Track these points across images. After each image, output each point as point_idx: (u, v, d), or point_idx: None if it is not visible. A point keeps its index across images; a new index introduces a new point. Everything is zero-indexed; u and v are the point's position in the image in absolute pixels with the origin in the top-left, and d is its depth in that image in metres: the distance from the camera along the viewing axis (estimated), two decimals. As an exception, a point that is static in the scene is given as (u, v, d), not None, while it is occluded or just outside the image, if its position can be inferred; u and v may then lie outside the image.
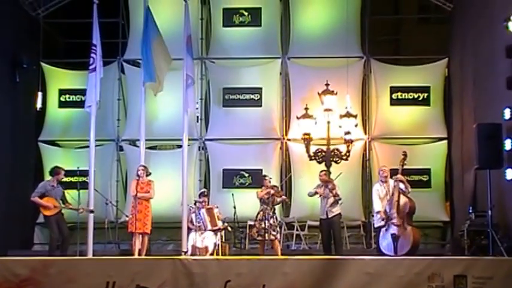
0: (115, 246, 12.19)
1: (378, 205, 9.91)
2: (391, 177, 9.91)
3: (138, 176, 10.44)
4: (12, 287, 8.24)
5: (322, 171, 10.82)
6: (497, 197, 10.05)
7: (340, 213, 10.44)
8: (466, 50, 12.46)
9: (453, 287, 8.08)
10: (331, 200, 10.28)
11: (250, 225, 11.79)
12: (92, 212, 10.75)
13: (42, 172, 13.06)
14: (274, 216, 10.23)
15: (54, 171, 10.49)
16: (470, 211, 10.87)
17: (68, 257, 9.65)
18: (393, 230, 9.60)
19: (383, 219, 9.74)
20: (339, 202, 10.39)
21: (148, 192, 10.35)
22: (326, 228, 10.41)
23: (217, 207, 10.49)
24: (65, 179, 11.68)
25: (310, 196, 10.57)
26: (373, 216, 12.19)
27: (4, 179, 12.23)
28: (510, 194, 9.86)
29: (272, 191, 10.24)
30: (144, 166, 10.64)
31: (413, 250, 9.46)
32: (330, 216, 10.31)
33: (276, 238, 10.15)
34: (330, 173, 11.09)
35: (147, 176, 10.47)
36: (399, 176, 9.76)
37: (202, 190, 11.54)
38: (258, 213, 10.24)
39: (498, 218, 10.00)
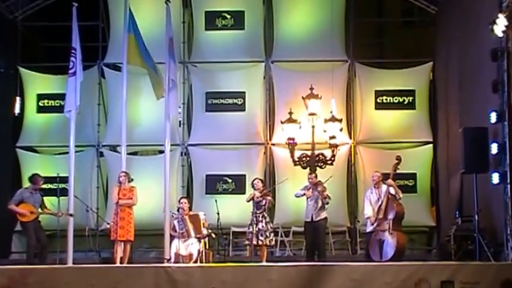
0: (96, 254, 12.07)
1: (368, 210, 9.94)
2: (382, 182, 9.94)
3: (119, 182, 10.36)
4: (-10, 297, 8.15)
5: (311, 173, 10.78)
6: (484, 201, 10.12)
7: (326, 218, 10.37)
8: (451, 53, 12.56)
9: (441, 292, 8.13)
10: (320, 203, 10.22)
11: (233, 232, 11.76)
12: (71, 215, 10.68)
13: (20, 179, 12.93)
14: (264, 221, 10.09)
15: (34, 179, 10.44)
16: (457, 216, 10.93)
17: (47, 265, 9.54)
18: (380, 235, 9.64)
19: (372, 224, 9.77)
20: (327, 204, 10.30)
21: (131, 198, 10.26)
22: (310, 232, 10.33)
23: (204, 214, 10.40)
24: (45, 186, 11.55)
25: (298, 197, 10.48)
26: (358, 221, 12.29)
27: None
28: (496, 198, 9.93)
29: (264, 191, 10.17)
30: (125, 172, 10.57)
31: (398, 255, 9.49)
32: (315, 219, 10.20)
33: (263, 243, 10.01)
34: (316, 176, 11.08)
35: (129, 182, 10.40)
36: (389, 181, 9.80)
37: (181, 196, 11.44)
38: (250, 218, 10.21)
39: (485, 222, 10.07)
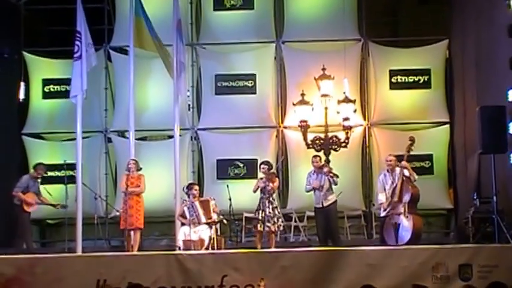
0: (105, 242, 12.14)
1: (381, 196, 9.90)
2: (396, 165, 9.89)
3: (128, 170, 10.39)
4: (-2, 288, 8.23)
5: (315, 156, 10.71)
6: (502, 182, 10.07)
7: (336, 201, 10.34)
8: (467, 30, 12.43)
9: (458, 276, 8.14)
10: (327, 186, 10.18)
11: (246, 218, 11.77)
12: (65, 207, 10.79)
13: (27, 167, 12.96)
14: (271, 206, 10.01)
15: (36, 167, 10.72)
16: (475, 198, 10.89)
17: (55, 254, 9.62)
18: (395, 219, 9.62)
19: (385, 210, 9.75)
20: (335, 185, 10.25)
21: (139, 186, 10.30)
22: (322, 219, 10.33)
23: (213, 199, 10.41)
24: (52, 173, 11.67)
25: (309, 192, 10.48)
26: (373, 205, 12.26)
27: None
28: (516, 179, 9.88)
29: (269, 177, 10.11)
30: (135, 160, 10.60)
31: (414, 239, 9.47)
32: (325, 205, 10.20)
33: (270, 230, 9.93)
34: (329, 161, 11.05)
35: (138, 170, 10.44)
36: (404, 163, 9.75)
37: (189, 182, 11.45)
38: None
39: (503, 204, 10.02)
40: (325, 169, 10.26)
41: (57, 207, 10.81)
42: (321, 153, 11.50)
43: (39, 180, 10.70)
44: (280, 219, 10.14)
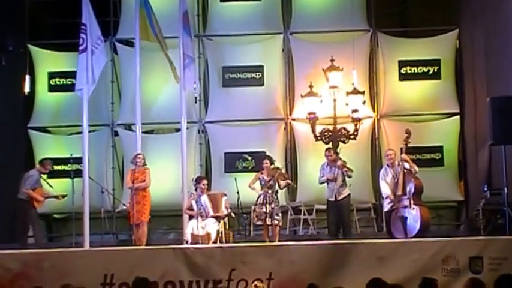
0: (113, 236, 12.18)
1: (385, 189, 9.90)
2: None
3: (136, 164, 10.40)
4: (5, 283, 8.25)
5: (327, 149, 10.72)
6: (514, 174, 10.02)
7: (349, 195, 10.37)
8: (476, 19, 12.36)
9: (469, 269, 8.10)
10: (340, 180, 10.20)
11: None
12: (64, 196, 10.93)
13: (33, 161, 13.02)
14: (276, 201, 10.08)
15: (43, 163, 10.84)
16: (485, 189, 10.86)
17: (62, 248, 9.67)
18: (401, 212, 9.61)
19: (391, 202, 9.73)
20: (349, 177, 10.26)
21: (144, 181, 10.32)
22: (334, 212, 10.35)
23: (225, 195, 10.39)
24: (58, 167, 11.70)
25: (322, 184, 10.48)
26: (383, 198, 12.24)
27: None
28: (527, 170, 9.83)
29: (276, 174, 10.13)
30: (142, 154, 10.62)
31: (423, 230, 9.46)
32: (339, 198, 10.23)
33: (277, 224, 9.98)
34: (337, 153, 11.03)
35: (144, 165, 10.47)
36: (403, 156, 9.75)
37: (198, 175, 11.46)
38: (259, 197, 10.12)
39: (515, 195, 9.97)
40: (339, 163, 10.25)
41: (59, 199, 10.86)
42: (334, 147, 11.44)
43: (41, 176, 10.75)
44: (280, 215, 10.19)
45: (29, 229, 10.78)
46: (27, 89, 13.16)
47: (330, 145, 11.51)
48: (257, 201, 10.12)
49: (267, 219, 9.94)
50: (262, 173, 10.17)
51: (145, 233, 10.35)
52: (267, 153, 12.05)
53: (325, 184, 10.43)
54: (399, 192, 9.65)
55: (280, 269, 8.14)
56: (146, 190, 10.37)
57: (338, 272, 8.04)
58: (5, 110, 12.77)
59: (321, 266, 8.09)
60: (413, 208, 9.54)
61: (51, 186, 10.99)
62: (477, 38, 12.35)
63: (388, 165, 10.00)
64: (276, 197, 10.07)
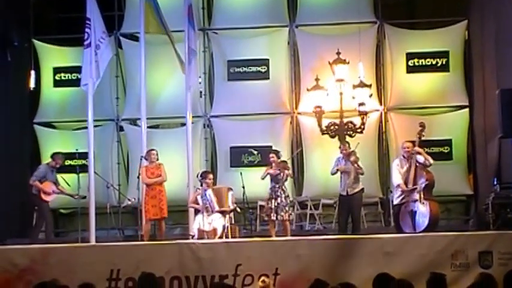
0: (119, 232, 12.22)
1: (397, 179, 9.83)
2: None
3: (151, 161, 10.49)
4: (12, 278, 8.31)
5: (344, 143, 10.64)
6: (524, 167, 9.99)
7: (362, 189, 10.30)
8: (486, 10, 12.28)
9: (478, 264, 8.09)
10: (353, 175, 10.18)
11: (260, 206, 11.78)
12: (84, 197, 10.87)
13: (39, 156, 13.09)
14: (283, 195, 10.06)
15: (54, 157, 10.85)
16: (495, 183, 10.83)
17: (68, 243, 9.71)
18: (411, 206, 9.58)
19: (402, 193, 9.68)
20: (362, 175, 10.23)
21: (160, 175, 10.43)
22: (344, 206, 10.34)
23: (231, 189, 10.40)
24: (64, 163, 11.66)
25: (333, 174, 10.47)
26: (391, 192, 12.20)
27: (-2, 165, 12.26)
28: (537, 163, 9.79)
29: (281, 167, 10.12)
30: (156, 150, 10.67)
31: (432, 225, 9.43)
32: (350, 193, 10.19)
33: (284, 218, 9.98)
34: (353, 151, 11.00)
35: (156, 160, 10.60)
36: (416, 148, 9.70)
37: (203, 170, 11.48)
38: (268, 192, 10.21)
39: (525, 189, 9.95)
40: (352, 158, 10.19)
41: (75, 198, 10.87)
42: (353, 139, 11.35)
43: (54, 170, 10.78)
44: (290, 208, 10.23)
45: (42, 224, 10.78)
46: (32, 84, 13.19)
47: (336, 140, 11.47)
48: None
49: (272, 215, 9.95)
50: (270, 168, 10.16)
51: (163, 228, 10.46)
52: (273, 148, 12.09)
53: (332, 178, 10.40)
54: (410, 185, 9.61)
55: (286, 264, 8.15)
56: (162, 185, 10.48)
57: (345, 267, 8.04)
58: (11, 105, 12.81)
59: (328, 261, 8.10)
60: (424, 203, 9.50)
61: (68, 185, 11.01)
62: (487, 29, 12.27)
63: (403, 156, 9.93)
64: (282, 192, 10.05)
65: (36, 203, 10.87)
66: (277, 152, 10.46)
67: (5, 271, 8.36)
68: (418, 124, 10.05)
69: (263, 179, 10.22)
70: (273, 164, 10.15)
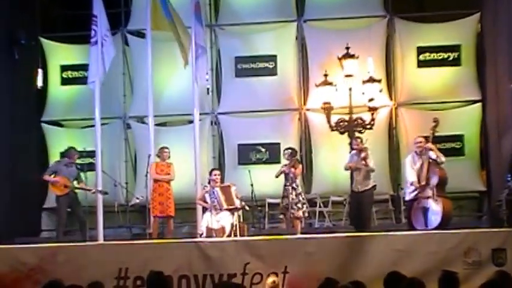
0: (127, 230, 12.26)
1: (411, 175, 9.79)
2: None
3: (163, 159, 10.61)
4: (21, 277, 8.37)
5: (355, 138, 10.67)
6: (537, 162, 9.93)
7: (374, 187, 10.25)
8: (499, 2, 12.20)
9: (491, 261, 8.04)
10: (363, 171, 10.16)
11: (269, 204, 11.79)
12: (106, 193, 10.90)
13: (47, 154, 13.15)
14: (294, 193, 10.09)
15: (69, 152, 10.88)
16: (509, 179, 10.77)
17: (79, 242, 9.75)
18: (423, 203, 9.54)
19: (416, 189, 9.64)
20: (372, 172, 10.19)
21: (169, 174, 10.55)
22: (354, 203, 10.36)
23: (234, 185, 10.45)
24: (71, 161, 11.66)
25: (346, 170, 10.50)
26: (402, 189, 12.17)
27: (6, 163, 12.31)
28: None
29: (291, 163, 10.16)
30: (168, 148, 10.72)
31: (444, 223, 9.39)
32: (361, 190, 10.17)
33: (294, 216, 10.01)
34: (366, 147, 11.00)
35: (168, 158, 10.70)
36: (429, 145, 9.66)
37: (212, 168, 11.51)
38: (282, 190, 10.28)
39: (539, 185, 9.89)
40: (362, 154, 10.18)
41: (92, 193, 10.76)
42: (362, 135, 11.31)
43: (72, 165, 10.67)
44: (305, 205, 10.21)
45: (64, 222, 10.70)
46: (39, 82, 13.26)
47: (346, 136, 11.46)
48: None
49: (286, 213, 10.01)
50: (285, 165, 10.19)
51: (171, 226, 10.57)
52: (281, 145, 12.07)
53: (341, 175, 10.41)
54: (423, 182, 9.58)
55: (296, 262, 8.14)
56: (170, 183, 10.60)
57: (355, 265, 8.02)
58: (18, 103, 12.87)
59: (338, 259, 8.08)
60: (436, 200, 9.46)
61: (86, 178, 10.96)
62: (500, 22, 12.18)
63: (416, 152, 9.89)
64: (293, 189, 10.06)
65: (56, 201, 10.87)
66: (292, 149, 10.51)
67: (14, 270, 8.42)
68: (429, 120, 10.00)
69: (277, 177, 10.25)
70: (288, 162, 10.19)
